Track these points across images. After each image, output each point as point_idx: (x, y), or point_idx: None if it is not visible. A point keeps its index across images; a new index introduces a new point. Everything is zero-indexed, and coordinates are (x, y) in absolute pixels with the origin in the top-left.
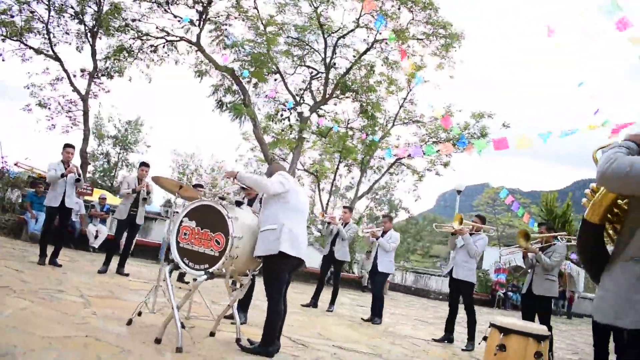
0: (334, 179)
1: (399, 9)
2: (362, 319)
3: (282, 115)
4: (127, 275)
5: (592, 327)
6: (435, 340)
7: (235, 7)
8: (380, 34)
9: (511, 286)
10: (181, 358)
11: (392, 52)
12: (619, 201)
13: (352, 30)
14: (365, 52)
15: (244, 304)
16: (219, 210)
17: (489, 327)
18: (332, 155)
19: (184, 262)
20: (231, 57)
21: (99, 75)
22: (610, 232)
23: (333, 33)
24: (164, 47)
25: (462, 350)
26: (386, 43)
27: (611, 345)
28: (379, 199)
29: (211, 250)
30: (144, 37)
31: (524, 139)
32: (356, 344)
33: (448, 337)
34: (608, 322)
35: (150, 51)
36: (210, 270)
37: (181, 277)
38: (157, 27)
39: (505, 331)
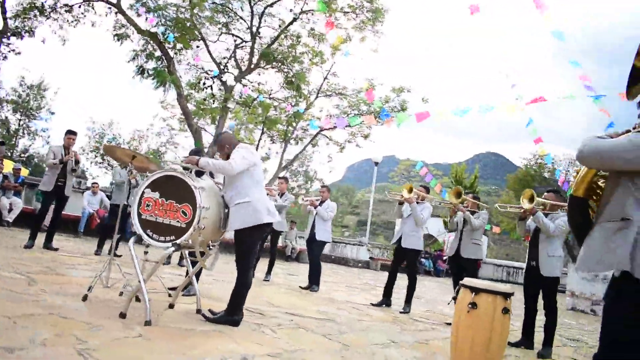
0: (257, 150)
1: None
2: (300, 287)
3: (204, 84)
4: (56, 249)
5: (523, 288)
6: (373, 304)
7: None
8: (307, 4)
9: (424, 253)
10: (152, 331)
11: (318, 23)
12: (599, 182)
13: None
14: (292, 22)
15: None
16: (184, 181)
17: (459, 288)
18: (255, 126)
19: (147, 234)
20: (154, 22)
21: (9, 35)
22: (594, 207)
23: (260, 1)
24: (80, 6)
25: (400, 312)
26: (312, 14)
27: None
28: (294, 170)
29: (177, 221)
30: None
31: (443, 113)
32: (305, 310)
33: (386, 301)
34: (591, 271)
35: (65, 11)
36: (178, 241)
37: (181, 262)
38: None
39: (476, 290)
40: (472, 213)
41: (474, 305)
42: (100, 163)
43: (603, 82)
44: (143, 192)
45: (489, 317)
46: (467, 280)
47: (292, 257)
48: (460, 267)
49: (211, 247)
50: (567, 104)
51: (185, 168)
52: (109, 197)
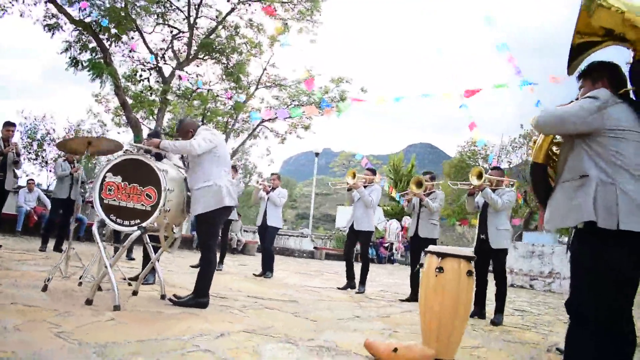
0: None
1: None
2: (254, 274)
3: (141, 75)
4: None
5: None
6: (340, 288)
7: None
8: None
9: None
10: (122, 315)
11: (256, 14)
12: (554, 148)
13: None
14: (229, 13)
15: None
16: (147, 163)
17: (424, 255)
18: (194, 117)
19: (110, 219)
20: (88, 11)
21: None
22: (552, 174)
23: None
24: None
25: (356, 293)
26: (249, 4)
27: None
28: (234, 164)
29: (142, 205)
30: None
31: (380, 99)
32: (265, 294)
33: (350, 284)
34: (558, 226)
35: None
36: (144, 224)
37: (129, 256)
38: None
39: (442, 255)
40: (429, 194)
41: (440, 269)
42: (34, 159)
43: (532, 72)
44: (105, 177)
45: (456, 279)
46: (432, 247)
47: (237, 249)
48: (419, 246)
49: (174, 230)
50: (499, 94)
51: (146, 151)
52: (46, 194)
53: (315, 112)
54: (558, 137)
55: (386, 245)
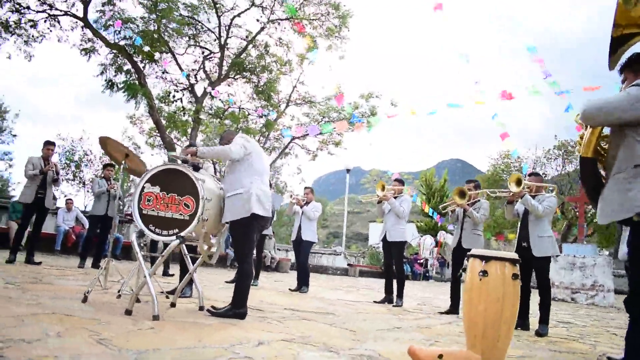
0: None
1: None
2: (289, 289)
3: (174, 96)
4: (39, 263)
5: None
6: (376, 302)
7: None
8: (274, 13)
9: None
10: (161, 325)
11: (285, 32)
12: (602, 144)
13: (247, 9)
14: (259, 32)
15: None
16: (185, 173)
17: (467, 259)
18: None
19: (149, 229)
20: (122, 34)
21: None
22: (602, 171)
23: (226, 12)
24: (45, 21)
25: (393, 306)
26: (279, 23)
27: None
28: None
29: (180, 214)
30: (24, 11)
31: (413, 111)
32: (301, 306)
33: (388, 298)
34: (611, 219)
35: (30, 26)
36: (182, 234)
37: (166, 272)
38: (38, 0)
39: (486, 259)
40: (474, 203)
41: (484, 273)
42: (71, 180)
43: (561, 77)
44: (143, 188)
45: (501, 283)
46: (475, 251)
47: (271, 266)
48: (462, 258)
49: (212, 240)
50: (528, 105)
51: (183, 161)
52: (84, 214)
53: (346, 128)
54: (606, 130)
55: (421, 261)
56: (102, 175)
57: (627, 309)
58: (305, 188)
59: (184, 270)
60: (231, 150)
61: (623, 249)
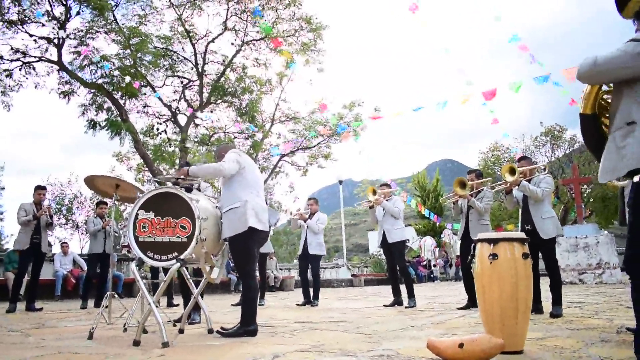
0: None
1: (262, 8)
2: (296, 304)
3: (157, 129)
4: (40, 309)
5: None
6: (386, 306)
7: (94, 21)
8: (247, 35)
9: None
10: (172, 351)
11: (261, 52)
12: (604, 96)
13: (220, 34)
14: (236, 54)
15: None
16: (178, 195)
17: (475, 243)
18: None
19: (148, 256)
20: (99, 73)
21: None
22: (605, 122)
23: (200, 39)
24: (20, 69)
25: (406, 307)
26: (253, 44)
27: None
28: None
29: (177, 237)
30: None
31: (398, 112)
32: (312, 318)
33: (397, 300)
34: (610, 178)
35: (5, 76)
36: (182, 256)
37: (170, 302)
38: (11, 48)
39: (494, 241)
40: (478, 193)
41: (494, 256)
42: (64, 224)
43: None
44: (137, 215)
45: (512, 264)
46: (481, 235)
47: (275, 286)
48: (469, 248)
49: (214, 259)
50: (513, 94)
51: (175, 183)
52: (81, 256)
53: (328, 133)
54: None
55: (424, 263)
56: (96, 214)
57: (627, 268)
58: (309, 199)
59: (186, 297)
60: (224, 168)
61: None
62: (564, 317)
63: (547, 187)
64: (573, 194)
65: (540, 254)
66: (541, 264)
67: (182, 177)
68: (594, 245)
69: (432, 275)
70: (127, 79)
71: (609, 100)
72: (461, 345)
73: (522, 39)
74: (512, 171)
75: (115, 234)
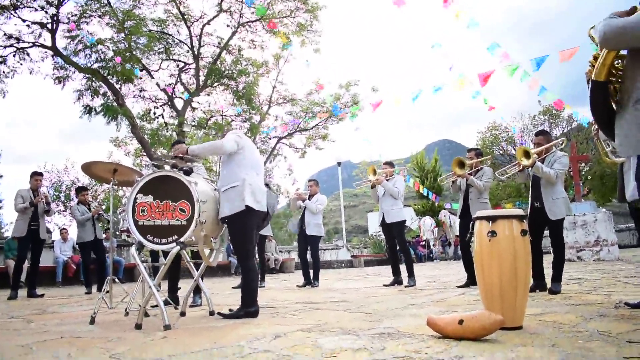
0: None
1: None
2: (297, 286)
3: (154, 113)
4: (41, 296)
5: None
6: (386, 285)
7: (88, 5)
8: (242, 16)
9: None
10: (174, 333)
11: (257, 34)
12: (616, 63)
13: (216, 16)
14: (231, 37)
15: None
16: (177, 178)
17: (473, 221)
18: None
19: (147, 240)
20: (93, 57)
21: None
22: (612, 90)
23: (195, 21)
24: (14, 55)
25: (405, 286)
26: (249, 26)
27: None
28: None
29: (177, 220)
30: None
31: (397, 100)
32: (313, 299)
33: (397, 279)
34: (632, 154)
35: None
36: (182, 239)
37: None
38: (4, 34)
39: (492, 219)
40: (477, 172)
41: (493, 233)
42: (63, 211)
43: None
44: (135, 199)
45: (510, 240)
46: (480, 213)
47: (275, 268)
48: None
49: (213, 241)
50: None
51: (173, 166)
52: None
53: (326, 114)
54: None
55: (423, 243)
56: (79, 200)
57: (632, 212)
58: (309, 181)
59: (172, 280)
60: (223, 144)
61: (630, 188)
62: (562, 293)
63: (561, 168)
64: (571, 172)
65: (546, 232)
66: (545, 242)
67: (181, 155)
68: (592, 223)
69: (431, 255)
70: (120, 60)
71: (620, 67)
72: (461, 322)
73: (511, 28)
74: (527, 154)
75: (115, 220)
